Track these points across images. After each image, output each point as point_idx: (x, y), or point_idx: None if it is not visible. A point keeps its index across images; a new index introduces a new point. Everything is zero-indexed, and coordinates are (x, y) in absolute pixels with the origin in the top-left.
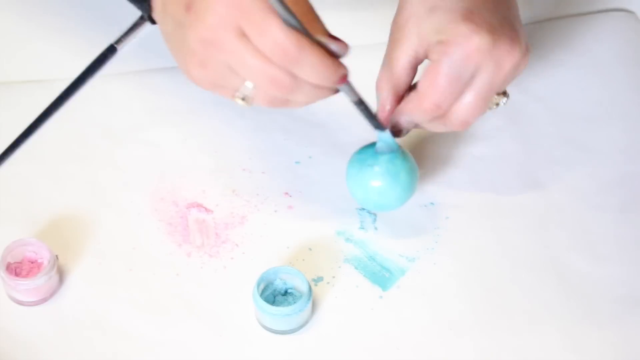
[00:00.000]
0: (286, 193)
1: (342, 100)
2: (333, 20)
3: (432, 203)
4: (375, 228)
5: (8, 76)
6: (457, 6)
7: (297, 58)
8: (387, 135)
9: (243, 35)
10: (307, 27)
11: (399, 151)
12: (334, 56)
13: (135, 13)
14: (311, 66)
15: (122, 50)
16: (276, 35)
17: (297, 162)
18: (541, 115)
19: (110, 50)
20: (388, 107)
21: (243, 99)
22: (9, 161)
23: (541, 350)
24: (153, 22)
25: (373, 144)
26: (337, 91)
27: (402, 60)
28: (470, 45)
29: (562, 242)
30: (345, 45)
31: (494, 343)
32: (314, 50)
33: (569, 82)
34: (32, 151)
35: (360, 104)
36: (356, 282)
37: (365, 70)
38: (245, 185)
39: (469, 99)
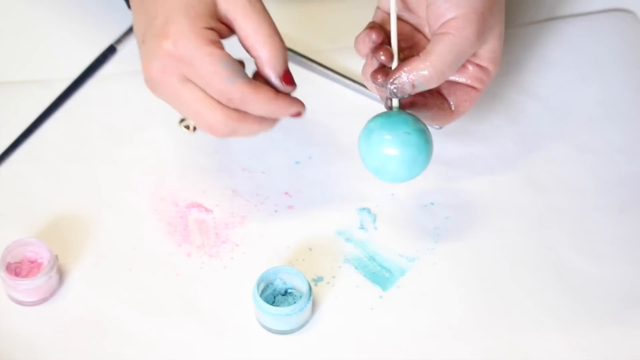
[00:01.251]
0: (286, 193)
1: (343, 100)
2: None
3: (432, 203)
4: (375, 228)
5: (8, 76)
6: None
7: (242, 104)
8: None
9: (187, 80)
10: (270, 62)
11: (414, 120)
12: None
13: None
14: (258, 107)
15: (122, 50)
16: (220, 88)
17: (297, 162)
18: (541, 115)
19: (110, 51)
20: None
21: (187, 127)
22: (9, 161)
23: (541, 350)
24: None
25: (385, 113)
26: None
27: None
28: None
29: (562, 242)
30: (293, 88)
31: (494, 343)
32: (259, 95)
33: (568, 82)
34: (32, 151)
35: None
36: (356, 282)
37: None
38: (245, 185)
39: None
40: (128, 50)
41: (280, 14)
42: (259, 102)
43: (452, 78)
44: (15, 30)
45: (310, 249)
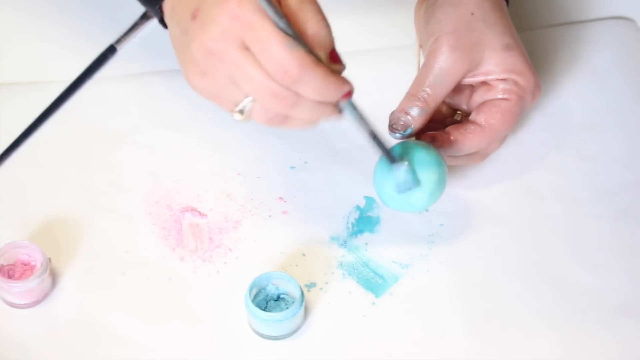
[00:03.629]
0: (281, 198)
1: None
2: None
3: (426, 210)
4: (371, 233)
5: (5, 77)
6: (522, 50)
7: (298, 77)
8: (404, 167)
9: (246, 48)
10: (315, 38)
11: (429, 154)
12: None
13: (135, 13)
14: (313, 85)
15: (122, 50)
16: (278, 55)
17: (292, 167)
18: (538, 122)
19: (110, 51)
20: (417, 127)
21: (241, 112)
22: (4, 162)
23: (534, 358)
24: (165, 26)
25: (403, 144)
26: (340, 112)
27: (455, 81)
28: (537, 95)
29: (557, 250)
30: (341, 66)
31: (487, 351)
32: (316, 70)
33: (567, 89)
34: (27, 153)
35: (374, 137)
36: (349, 288)
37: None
38: (240, 190)
39: (504, 138)
40: (127, 52)
41: None
42: (315, 76)
43: (477, 100)
44: (13, 31)
45: (303, 255)
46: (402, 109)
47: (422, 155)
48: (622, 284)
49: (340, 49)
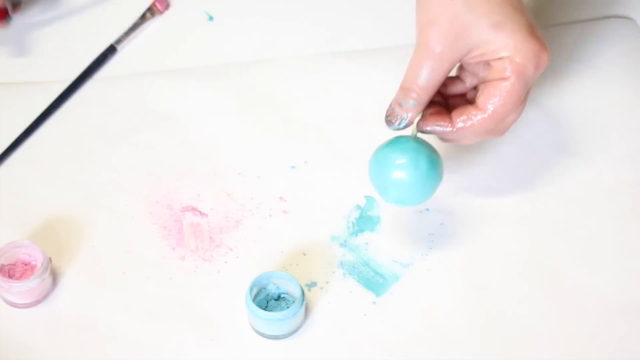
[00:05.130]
0: (281, 198)
1: (338, 107)
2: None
3: (427, 209)
4: (372, 233)
5: (6, 77)
6: (520, 22)
7: None
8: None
9: None
10: None
11: (423, 145)
12: None
13: (135, 13)
14: None
15: (122, 50)
16: None
17: (292, 167)
18: (539, 122)
19: (110, 50)
20: (412, 119)
21: None
22: (4, 162)
23: (534, 358)
24: None
25: (396, 139)
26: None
27: (444, 74)
28: (541, 63)
29: (558, 250)
30: None
31: (488, 350)
32: None
33: (567, 88)
34: (27, 152)
35: None
36: (350, 287)
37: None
38: (240, 190)
39: (520, 109)
40: (126, 51)
41: (280, 9)
42: None
43: (482, 76)
44: (14, 30)
45: (304, 254)
46: (397, 102)
47: (417, 149)
48: (623, 284)
49: (341, 48)
